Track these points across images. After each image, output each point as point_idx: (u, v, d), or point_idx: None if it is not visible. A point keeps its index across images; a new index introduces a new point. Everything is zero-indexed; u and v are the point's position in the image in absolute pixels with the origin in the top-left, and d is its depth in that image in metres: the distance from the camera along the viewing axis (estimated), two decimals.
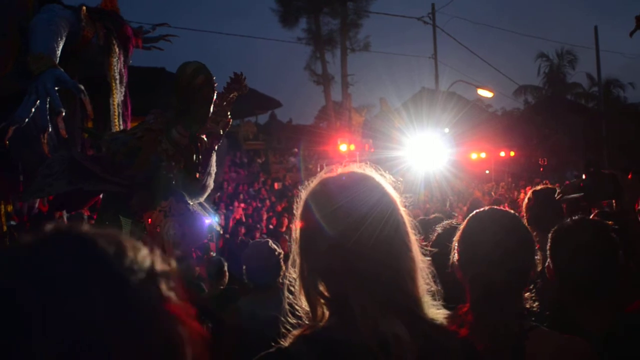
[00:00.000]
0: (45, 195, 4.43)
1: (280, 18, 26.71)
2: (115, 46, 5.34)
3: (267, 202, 16.65)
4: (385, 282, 1.34)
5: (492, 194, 22.24)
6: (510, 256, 1.87)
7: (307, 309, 1.43)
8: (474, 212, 2.05)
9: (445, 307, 1.46)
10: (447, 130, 25.20)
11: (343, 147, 22.39)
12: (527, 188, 19.86)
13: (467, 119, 28.61)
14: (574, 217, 2.40)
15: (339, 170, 1.48)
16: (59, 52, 4.69)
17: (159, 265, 0.79)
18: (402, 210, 1.44)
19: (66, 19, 4.92)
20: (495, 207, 2.14)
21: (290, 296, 1.48)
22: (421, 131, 22.31)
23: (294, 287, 1.46)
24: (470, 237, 1.98)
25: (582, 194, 3.03)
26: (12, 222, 6.99)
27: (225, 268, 5.40)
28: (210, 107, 3.95)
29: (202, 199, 4.12)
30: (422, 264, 1.42)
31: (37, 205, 5.85)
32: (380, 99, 31.37)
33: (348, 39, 26.62)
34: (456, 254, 1.99)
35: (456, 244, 2.01)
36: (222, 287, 5.23)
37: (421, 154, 21.25)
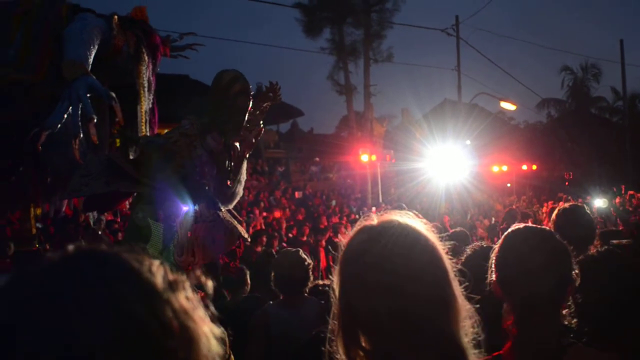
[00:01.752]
0: (82, 195, 4.52)
1: (304, 28, 26.86)
2: (145, 54, 5.44)
3: (287, 210, 16.70)
4: (431, 335, 1.31)
5: (513, 207, 22.07)
6: (549, 271, 1.88)
7: None
8: (509, 230, 2.05)
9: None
10: (468, 142, 25.08)
11: (364, 158, 22.36)
12: (549, 202, 19.68)
13: (489, 131, 28.46)
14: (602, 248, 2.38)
15: (379, 219, 1.45)
16: (91, 60, 4.80)
17: (176, 277, 0.82)
18: (446, 260, 1.40)
19: (99, 28, 5.03)
20: (528, 223, 2.15)
21: (330, 348, 1.43)
22: (442, 143, 22.23)
23: (334, 339, 1.42)
24: (509, 253, 1.98)
25: (630, 240, 3.02)
26: (38, 225, 7.10)
27: (248, 276, 5.44)
28: (245, 116, 4.00)
29: (231, 206, 4.16)
30: (466, 312, 1.38)
31: (64, 208, 5.97)
32: (402, 109, 31.43)
33: (371, 50, 26.67)
34: (494, 272, 1.99)
35: (494, 262, 2.01)
36: (243, 295, 5.27)
37: (442, 166, 21.17)
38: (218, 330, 0.83)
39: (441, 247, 1.42)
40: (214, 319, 0.84)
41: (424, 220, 1.48)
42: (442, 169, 21.14)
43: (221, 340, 0.83)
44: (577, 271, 1.94)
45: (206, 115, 4.09)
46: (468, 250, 2.95)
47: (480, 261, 2.08)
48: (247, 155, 4.20)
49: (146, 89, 5.44)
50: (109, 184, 3.90)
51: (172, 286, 0.80)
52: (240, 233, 4.07)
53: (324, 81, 27.74)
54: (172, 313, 0.76)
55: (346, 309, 1.38)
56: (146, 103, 5.44)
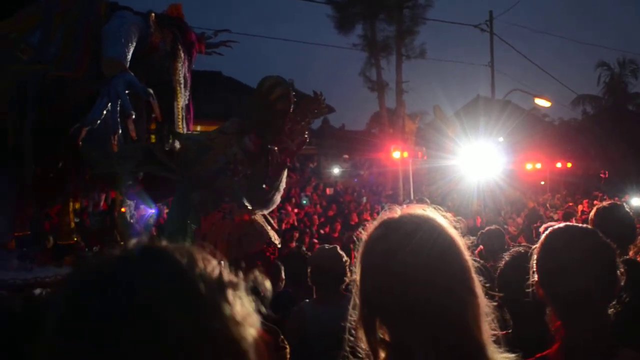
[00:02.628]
0: (113, 172, 4.62)
1: (336, 24, 26.80)
2: (181, 51, 5.51)
3: (319, 207, 16.73)
4: (449, 329, 1.30)
5: (547, 205, 21.75)
6: (589, 268, 1.85)
7: (368, 351, 1.40)
8: (549, 229, 2.02)
9: (519, 345, 1.42)
10: (501, 139, 24.77)
11: (396, 155, 22.24)
12: (585, 201, 19.34)
13: (523, 128, 28.07)
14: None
15: (400, 211, 1.45)
16: (129, 57, 4.87)
17: (227, 276, 0.83)
18: (466, 253, 1.40)
19: (136, 25, 5.11)
20: (569, 222, 2.12)
21: (352, 338, 1.45)
22: (475, 139, 22.00)
23: (355, 329, 1.44)
24: (551, 253, 1.95)
25: None
26: (76, 219, 7.24)
27: (282, 272, 5.46)
28: (285, 120, 4.04)
29: (266, 211, 4.18)
30: (487, 308, 1.38)
31: (101, 203, 6.08)
32: (434, 106, 31.06)
33: (403, 46, 26.49)
34: (536, 274, 1.96)
35: (535, 264, 1.98)
36: (278, 291, 5.30)
37: (474, 163, 20.94)
38: (268, 337, 0.83)
39: (461, 241, 1.42)
40: (266, 322, 0.85)
41: (445, 214, 1.47)
42: (474, 167, 20.90)
43: (263, 337, 0.83)
44: (622, 270, 1.90)
45: (247, 118, 4.15)
46: (506, 256, 2.90)
47: (521, 266, 2.05)
48: (289, 164, 4.22)
49: (182, 86, 5.50)
50: (139, 166, 3.99)
51: (223, 290, 0.80)
52: (270, 237, 4.09)
53: (356, 78, 27.69)
54: (219, 321, 0.77)
55: (365, 299, 1.39)
56: (182, 99, 5.51)
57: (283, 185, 4.20)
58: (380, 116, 27.73)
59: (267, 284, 0.89)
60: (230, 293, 0.81)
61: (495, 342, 1.38)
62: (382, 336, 1.37)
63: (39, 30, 5.22)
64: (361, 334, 1.40)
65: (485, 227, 7.97)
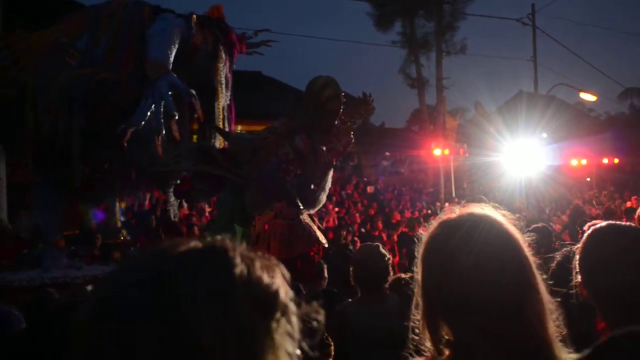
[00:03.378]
0: (170, 170, 4.72)
1: (375, 21, 26.63)
2: (222, 52, 5.58)
3: (360, 205, 16.70)
4: (511, 327, 1.30)
5: (594, 202, 21.23)
6: (631, 264, 1.81)
7: (433, 350, 1.40)
8: (592, 228, 1.98)
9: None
10: (545, 135, 24.28)
11: (437, 152, 22.03)
12: (633, 197, 18.80)
13: (567, 123, 27.46)
14: None
15: (458, 211, 1.45)
16: (172, 59, 4.97)
17: (283, 296, 0.83)
18: (526, 251, 1.39)
19: (178, 27, 5.20)
20: (612, 221, 2.07)
21: (415, 337, 1.45)
22: (518, 136, 21.62)
23: (418, 328, 1.44)
24: (590, 252, 1.91)
25: None
26: (122, 218, 7.41)
27: (325, 270, 5.47)
28: (334, 121, 4.06)
29: (312, 211, 4.20)
30: (550, 305, 1.36)
31: (146, 202, 6.21)
32: (475, 102, 30.64)
33: (443, 42, 26.17)
34: (579, 274, 1.92)
35: (577, 263, 1.94)
36: (321, 289, 5.30)
37: (517, 160, 20.58)
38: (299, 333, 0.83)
39: (521, 238, 1.41)
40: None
41: (504, 212, 1.46)
42: (517, 163, 20.55)
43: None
44: None
45: (298, 118, 4.17)
46: (558, 256, 2.84)
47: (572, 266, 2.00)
48: (335, 163, 4.23)
49: (223, 86, 5.57)
50: (195, 165, 4.06)
51: (270, 313, 0.80)
52: (318, 238, 4.10)
53: (395, 75, 27.52)
54: (251, 346, 0.77)
55: (427, 299, 1.40)
56: (224, 99, 5.58)
57: (329, 185, 4.22)
58: (420, 113, 27.52)
59: (321, 316, 0.88)
60: (277, 317, 0.81)
61: (561, 340, 1.36)
62: (445, 335, 1.38)
63: (87, 34, 5.36)
64: (425, 333, 1.41)
65: (531, 225, 7.82)
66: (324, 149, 4.04)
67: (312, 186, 4.04)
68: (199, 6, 5.99)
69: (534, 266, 1.38)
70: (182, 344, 0.73)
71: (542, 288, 1.37)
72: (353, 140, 4.19)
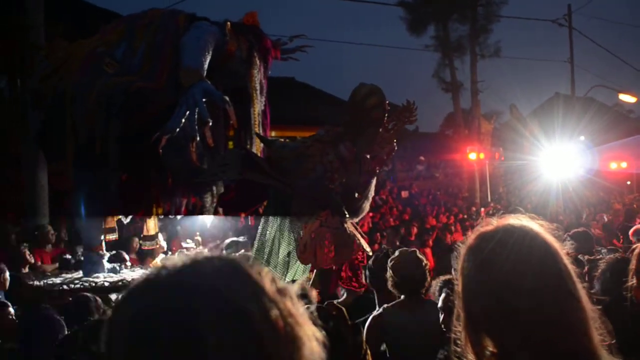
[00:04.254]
0: (217, 179, 4.78)
1: (408, 26, 26.47)
2: (256, 58, 5.63)
3: (395, 210, 16.60)
4: (554, 335, 1.29)
5: (635, 206, 20.70)
6: None
7: None
8: None
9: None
10: (582, 138, 23.81)
11: (472, 156, 21.78)
12: None
13: (606, 126, 26.86)
14: None
15: (496, 222, 1.46)
16: (206, 66, 5.03)
17: (283, 285, 0.89)
18: (566, 259, 1.39)
19: (213, 35, 5.26)
20: None
21: (458, 349, 1.46)
22: (554, 139, 21.24)
23: (460, 340, 1.45)
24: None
25: None
26: (158, 224, 7.50)
27: (363, 275, 5.44)
28: (379, 129, 4.03)
29: (356, 220, 4.19)
30: (592, 313, 1.35)
31: (183, 208, 6.28)
32: (511, 105, 30.23)
33: (478, 45, 25.88)
34: (635, 277, 1.88)
35: (633, 267, 1.90)
36: (359, 295, 5.27)
37: (554, 163, 20.20)
38: (320, 334, 0.87)
39: (560, 247, 1.40)
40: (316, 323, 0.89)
41: (542, 222, 1.46)
42: (553, 167, 20.17)
43: (322, 344, 0.87)
44: None
45: (342, 125, 4.17)
46: (602, 265, 2.78)
47: (620, 272, 1.96)
48: (378, 171, 4.21)
49: (258, 92, 5.62)
50: (241, 174, 4.08)
51: (280, 291, 0.87)
52: (363, 246, 4.08)
53: (427, 79, 27.31)
54: (280, 313, 0.83)
55: (468, 310, 1.40)
56: (258, 105, 5.62)
57: (372, 193, 4.19)
58: (454, 117, 27.23)
59: (314, 294, 0.93)
60: (286, 294, 0.87)
61: (609, 347, 1.35)
62: (487, 346, 1.38)
63: (123, 43, 5.47)
64: (467, 345, 1.42)
65: (570, 230, 7.66)
66: (368, 157, 4.02)
67: (356, 194, 4.02)
68: (234, 13, 6.07)
69: (573, 274, 1.38)
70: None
71: (583, 296, 1.36)
72: (396, 148, 4.16)
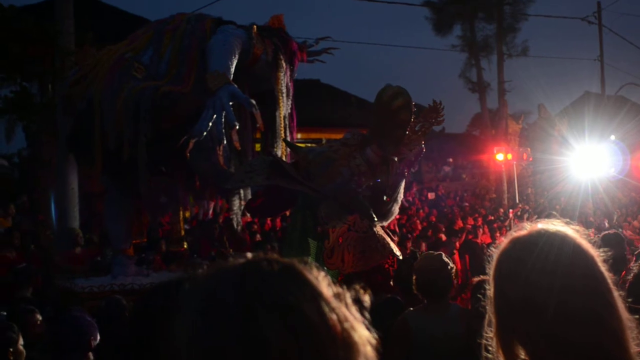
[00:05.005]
0: (245, 186, 4.82)
1: (434, 26, 26.31)
2: (283, 61, 5.64)
3: (421, 212, 16.51)
4: (588, 345, 1.26)
5: None
6: None
7: None
8: None
9: None
10: (613, 137, 23.40)
11: (500, 157, 21.51)
12: None
13: (638, 125, 26.37)
14: None
15: (529, 227, 1.44)
16: (233, 69, 5.05)
17: (338, 289, 0.89)
18: (601, 266, 1.36)
19: (239, 38, 5.29)
20: None
21: (489, 355, 1.44)
22: (584, 139, 20.90)
23: (491, 346, 1.43)
24: None
25: None
26: (186, 227, 7.58)
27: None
28: (405, 131, 4.01)
29: (385, 223, 4.16)
30: (629, 322, 1.31)
31: (210, 211, 6.33)
32: (539, 105, 29.83)
33: (505, 44, 25.60)
34: None
35: None
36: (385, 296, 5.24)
37: (584, 164, 19.87)
38: (373, 339, 0.88)
39: (595, 253, 1.37)
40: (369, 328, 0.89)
41: (577, 227, 1.43)
42: (583, 167, 19.84)
43: (375, 348, 0.87)
44: None
45: (368, 128, 4.16)
46: (635, 268, 2.71)
47: None
48: (407, 174, 4.18)
49: (284, 95, 5.63)
50: (269, 179, 4.09)
51: (337, 296, 0.88)
52: (392, 250, 4.05)
53: (453, 79, 27.10)
54: (337, 318, 0.84)
55: (499, 316, 1.38)
56: (285, 108, 5.63)
57: (401, 196, 4.17)
58: (481, 117, 26.97)
59: (367, 299, 0.93)
60: (341, 298, 0.88)
61: None
62: (519, 353, 1.36)
63: (151, 48, 5.52)
64: (498, 352, 1.40)
65: (600, 232, 7.52)
66: (396, 159, 3.99)
67: (385, 198, 3.99)
68: (260, 16, 6.08)
69: (610, 282, 1.34)
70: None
71: (620, 304, 1.33)
72: (424, 150, 4.13)
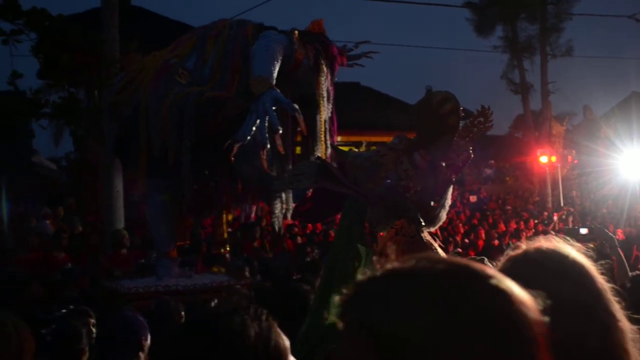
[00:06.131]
0: (293, 188, 4.86)
1: (475, 27, 26.02)
2: (323, 65, 5.67)
3: (462, 215, 16.33)
4: (595, 358, 1.27)
5: None
6: None
7: None
8: None
9: None
10: None
11: (543, 159, 21.12)
12: None
13: None
14: None
15: (526, 246, 1.47)
16: (275, 74, 5.11)
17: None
18: (598, 278, 1.38)
19: (281, 44, 5.35)
20: None
21: None
22: (631, 140, 20.35)
23: None
24: None
25: None
26: (229, 230, 7.68)
27: None
28: (453, 136, 3.99)
29: (432, 229, 4.15)
30: (632, 334, 1.32)
31: (252, 214, 6.40)
32: (584, 106, 29.22)
33: (548, 45, 25.11)
34: None
35: None
36: None
37: (631, 165, 19.34)
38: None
39: (593, 267, 1.40)
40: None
41: (574, 244, 1.46)
42: (630, 169, 19.31)
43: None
44: None
45: (416, 134, 4.15)
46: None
47: None
48: (454, 179, 4.15)
49: (325, 99, 5.66)
50: (317, 182, 4.12)
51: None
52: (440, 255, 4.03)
53: (494, 81, 26.81)
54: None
55: None
56: (325, 112, 5.66)
57: (449, 201, 4.13)
58: (524, 119, 26.52)
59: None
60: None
61: None
62: None
63: (194, 54, 5.63)
64: None
65: None
66: (443, 164, 3.97)
67: (432, 203, 3.97)
68: (300, 22, 6.14)
69: (609, 293, 1.37)
70: None
71: (622, 317, 1.34)
72: (472, 155, 4.09)
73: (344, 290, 0.89)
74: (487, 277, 0.86)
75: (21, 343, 1.88)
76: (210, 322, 1.26)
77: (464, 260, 0.90)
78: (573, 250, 1.43)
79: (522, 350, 0.80)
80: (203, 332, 1.25)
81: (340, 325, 0.86)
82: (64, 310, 4.08)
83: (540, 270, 1.35)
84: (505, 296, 0.84)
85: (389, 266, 0.89)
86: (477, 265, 0.88)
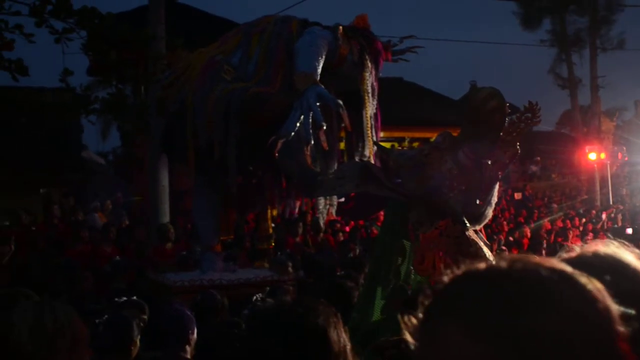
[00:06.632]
0: (336, 194, 4.87)
1: (522, 21, 25.42)
2: (368, 61, 5.65)
3: (507, 213, 16.03)
4: None
5: None
6: None
7: None
8: None
9: None
10: None
11: (592, 156, 20.59)
12: None
13: None
14: None
15: (580, 250, 1.33)
16: (319, 70, 5.11)
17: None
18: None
19: (325, 39, 5.34)
20: None
21: None
22: None
23: None
24: None
25: None
26: (273, 225, 7.71)
27: None
28: (499, 133, 3.92)
29: (478, 227, 4.09)
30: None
31: (296, 210, 6.42)
32: (636, 101, 28.37)
33: (598, 38, 24.38)
34: None
35: None
36: None
37: None
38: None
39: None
40: None
41: (635, 250, 1.32)
42: None
43: None
44: None
45: (460, 131, 4.10)
46: None
47: None
48: (500, 177, 4.08)
49: (370, 95, 5.63)
50: (358, 186, 4.11)
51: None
52: (485, 255, 3.97)
53: (540, 75, 26.25)
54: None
55: None
56: (370, 108, 5.64)
57: (495, 199, 4.06)
58: (572, 115, 25.87)
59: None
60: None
61: None
62: None
63: (240, 51, 5.67)
64: None
65: None
66: (489, 162, 3.90)
67: (478, 201, 3.91)
68: (345, 17, 6.11)
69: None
70: None
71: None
72: (519, 152, 4.01)
73: (422, 298, 0.87)
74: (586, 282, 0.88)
75: (74, 333, 1.92)
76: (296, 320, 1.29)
77: (556, 263, 0.90)
78: (569, 269, 1.36)
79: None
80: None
81: (430, 331, 0.84)
82: (116, 300, 4.16)
83: (597, 278, 1.29)
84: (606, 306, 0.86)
85: (470, 268, 0.89)
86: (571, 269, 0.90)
